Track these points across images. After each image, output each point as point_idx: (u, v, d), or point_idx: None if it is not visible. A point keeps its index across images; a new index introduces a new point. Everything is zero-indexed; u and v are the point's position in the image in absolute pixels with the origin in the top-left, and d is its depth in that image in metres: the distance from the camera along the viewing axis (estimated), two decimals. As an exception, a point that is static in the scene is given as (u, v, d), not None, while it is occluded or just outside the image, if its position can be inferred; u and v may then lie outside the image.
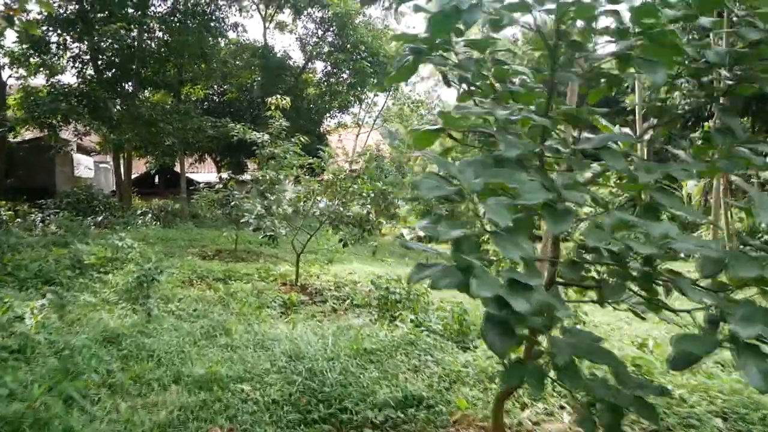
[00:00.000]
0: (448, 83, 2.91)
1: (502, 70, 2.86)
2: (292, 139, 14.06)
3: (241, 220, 8.85)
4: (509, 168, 1.99)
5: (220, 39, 24.68)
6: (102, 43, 20.71)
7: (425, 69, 38.23)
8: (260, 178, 9.84)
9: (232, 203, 14.64)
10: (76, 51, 21.52)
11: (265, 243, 16.72)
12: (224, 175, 33.87)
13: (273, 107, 13.50)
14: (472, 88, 2.95)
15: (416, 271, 2.17)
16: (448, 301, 8.23)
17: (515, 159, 2.06)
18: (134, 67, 21.73)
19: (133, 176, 28.34)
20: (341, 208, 8.64)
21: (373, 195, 8.72)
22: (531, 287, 1.78)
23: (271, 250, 15.14)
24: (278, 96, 13.85)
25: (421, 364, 5.20)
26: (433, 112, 37.99)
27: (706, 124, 21.11)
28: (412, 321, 6.23)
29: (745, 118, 16.81)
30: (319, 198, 8.92)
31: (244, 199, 14.65)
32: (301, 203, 8.90)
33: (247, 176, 28.13)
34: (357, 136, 35.94)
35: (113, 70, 22.07)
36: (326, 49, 25.80)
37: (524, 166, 2.12)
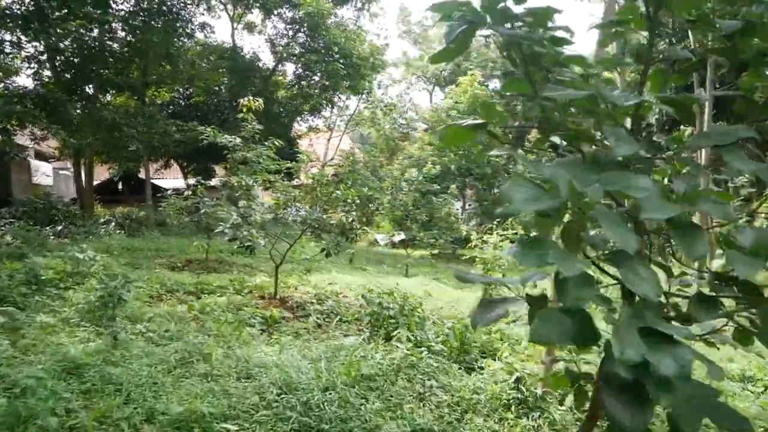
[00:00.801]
0: (511, 71, 2.35)
1: (555, 52, 2.33)
2: (266, 143, 13.45)
3: (216, 230, 8.17)
4: (614, 170, 1.47)
5: (186, 40, 23.76)
6: (60, 43, 19.63)
7: (397, 72, 37.91)
8: (235, 184, 9.17)
9: (203, 211, 13.90)
10: (32, 51, 20.37)
11: (237, 252, 16.13)
12: (192, 181, 32.80)
13: (245, 109, 12.84)
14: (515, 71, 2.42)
15: (483, 310, 1.66)
16: (447, 316, 7.74)
17: (621, 160, 1.55)
18: (95, 68, 20.66)
19: (95, 183, 27.12)
20: (324, 216, 8.05)
21: (358, 201, 8.16)
22: (674, 339, 1.27)
23: (244, 259, 14.44)
24: (250, 98, 13.21)
25: (427, 391, 4.67)
26: (405, 116, 37.63)
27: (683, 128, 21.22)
28: (410, 340, 5.68)
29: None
30: (298, 205, 8.30)
31: (216, 206, 13.94)
32: (281, 211, 8.27)
33: (215, 182, 27.28)
34: (329, 140, 35.30)
35: (72, 72, 20.94)
36: (297, 50, 25.06)
37: (628, 168, 1.61)
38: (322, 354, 5.43)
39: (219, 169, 32.96)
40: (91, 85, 22.13)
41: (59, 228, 18.67)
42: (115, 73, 21.66)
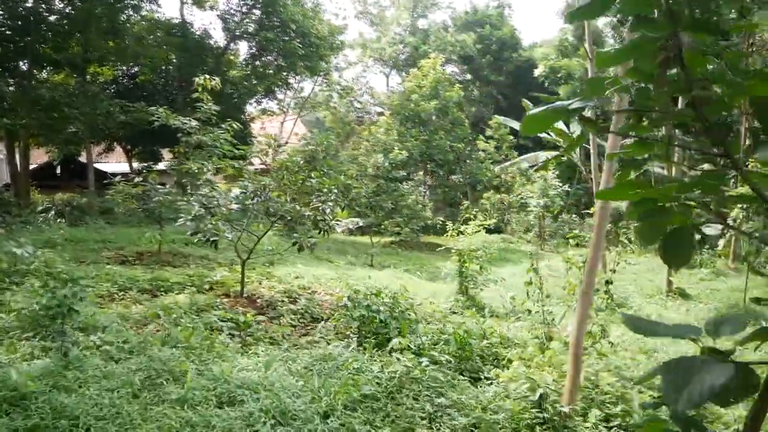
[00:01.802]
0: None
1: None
2: (222, 126, 12.52)
3: (176, 221, 7.35)
4: None
5: (133, 12, 22.20)
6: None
7: (353, 54, 36.98)
8: (195, 170, 8.33)
9: (155, 198, 12.88)
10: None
11: (192, 243, 15.12)
12: (136, 165, 31.08)
13: (200, 89, 11.87)
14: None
15: (682, 378, 1.09)
16: (429, 314, 7.21)
17: None
18: (29, 41, 18.97)
19: (31, 167, 25.26)
20: (298, 206, 7.34)
21: (336, 190, 7.49)
22: None
23: (201, 251, 13.51)
24: (206, 76, 12.23)
25: (437, 411, 4.11)
26: (361, 99, 36.78)
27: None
28: (408, 348, 5.09)
29: None
30: (270, 194, 7.54)
31: (170, 193, 12.94)
32: (250, 201, 7.50)
33: (162, 166, 25.82)
34: (282, 123, 34.16)
35: (3, 45, 19.18)
36: (252, 27, 23.79)
37: None
38: (309, 366, 4.80)
39: (166, 153, 31.41)
40: (25, 61, 20.40)
41: (-8, 217, 17.18)
42: (53, 48, 19.98)
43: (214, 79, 12.45)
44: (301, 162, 7.88)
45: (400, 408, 4.06)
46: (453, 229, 10.02)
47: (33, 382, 4.15)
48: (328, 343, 6.03)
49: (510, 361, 5.12)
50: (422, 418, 3.99)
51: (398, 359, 4.59)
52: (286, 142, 31.77)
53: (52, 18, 19.53)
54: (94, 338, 5.47)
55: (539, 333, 6.00)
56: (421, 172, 21.29)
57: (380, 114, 36.06)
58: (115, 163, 35.99)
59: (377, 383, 4.31)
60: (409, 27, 37.89)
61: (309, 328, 7.15)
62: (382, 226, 16.59)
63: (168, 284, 8.98)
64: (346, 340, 5.99)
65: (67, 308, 4.69)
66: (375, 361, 4.84)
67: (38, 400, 3.89)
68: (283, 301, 7.99)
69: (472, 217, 10.29)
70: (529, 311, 6.47)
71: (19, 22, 18.32)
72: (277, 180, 7.54)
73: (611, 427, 4.16)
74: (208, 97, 12.06)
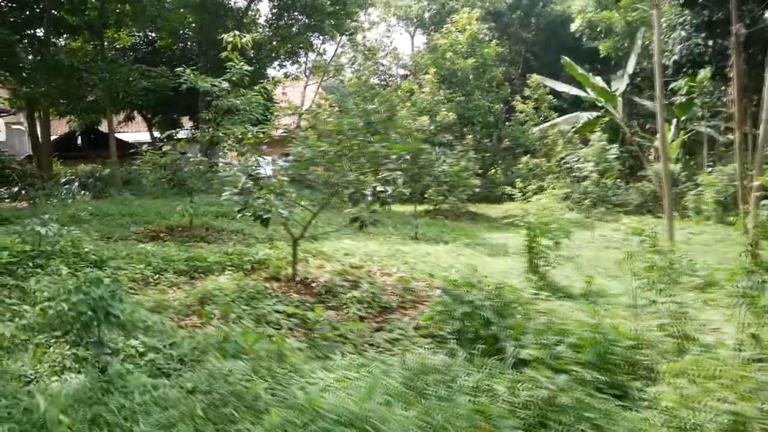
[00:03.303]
0: None
1: None
2: (255, 88, 11.45)
3: (223, 196, 6.31)
4: None
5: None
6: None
7: (375, 13, 35.17)
8: (239, 136, 7.27)
9: (185, 168, 11.89)
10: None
11: (223, 215, 14.18)
12: (157, 134, 30.09)
13: (229, 47, 10.73)
14: None
15: None
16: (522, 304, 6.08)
17: None
18: (45, 5, 17.83)
19: (52, 138, 24.42)
20: (360, 177, 6.24)
21: (408, 157, 6.35)
22: None
23: (234, 224, 12.55)
24: (236, 32, 11.07)
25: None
26: (384, 60, 35.05)
27: (702, 71, 19.56)
28: (537, 360, 3.96)
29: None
30: (332, 165, 6.43)
31: (203, 163, 11.97)
32: (304, 169, 6.39)
33: (181, 135, 24.85)
34: (305, 87, 32.77)
35: (19, 10, 18.09)
36: (275, -17, 22.25)
37: None
38: (408, 382, 3.78)
39: (186, 122, 30.32)
40: (41, 28, 19.31)
41: (15, 189, 16.40)
42: (70, 11, 18.83)
43: (245, 36, 11.31)
44: (360, 124, 6.75)
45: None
46: (523, 199, 8.87)
47: (65, 414, 3.18)
48: (412, 343, 5.00)
49: (657, 372, 4.03)
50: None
51: (532, 377, 3.52)
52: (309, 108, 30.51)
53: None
54: (134, 342, 4.49)
55: (669, 330, 4.89)
56: (456, 135, 19.87)
57: (404, 77, 34.40)
58: (135, 133, 35.12)
59: (512, 411, 3.26)
60: (434, -18, 35.82)
61: (380, 320, 6.13)
62: (426, 195, 15.48)
63: (206, 264, 8.03)
64: (433, 340, 4.95)
65: (104, 313, 3.69)
66: (495, 378, 3.76)
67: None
68: (342, 285, 6.96)
69: (544, 186, 9.10)
70: (654, 302, 5.32)
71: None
72: (334, 146, 6.42)
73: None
74: (238, 56, 10.96)
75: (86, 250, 7.96)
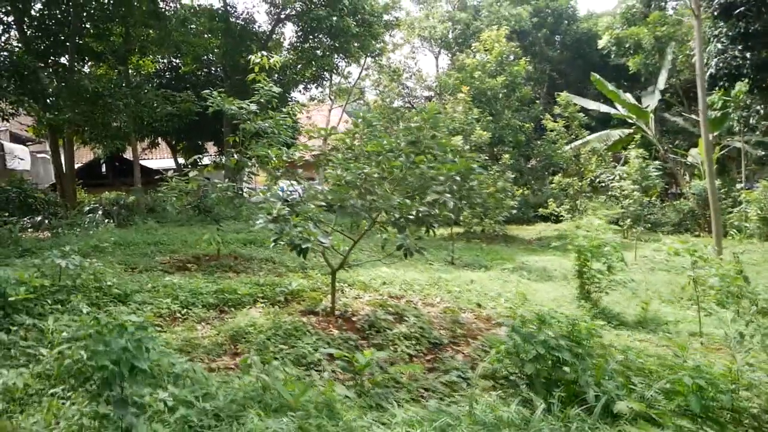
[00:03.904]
0: None
1: None
2: (283, 110, 11.07)
3: (255, 224, 5.75)
4: None
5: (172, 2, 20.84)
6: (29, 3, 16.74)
7: (398, 34, 34.97)
8: (274, 158, 6.75)
9: (212, 195, 11.40)
10: (-4, 14, 17.46)
11: (250, 242, 13.69)
12: (181, 161, 29.98)
13: (257, 69, 10.30)
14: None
15: None
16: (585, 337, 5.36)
17: None
18: (68, 31, 17.75)
19: (76, 166, 24.33)
20: (408, 201, 5.63)
21: (458, 179, 5.75)
22: None
23: (264, 251, 12.01)
24: (263, 53, 10.66)
25: None
26: (407, 82, 34.70)
27: (739, 84, 18.84)
28: (632, 411, 3.28)
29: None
30: (373, 188, 5.85)
31: (230, 188, 11.48)
32: (347, 193, 5.81)
33: (206, 161, 24.60)
34: (330, 110, 32.57)
35: (44, 37, 18.06)
36: (299, 6, 22.02)
37: None
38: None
39: (210, 147, 30.21)
40: (65, 55, 19.29)
41: (38, 219, 16.10)
42: (94, 37, 18.75)
43: (272, 57, 10.91)
44: (403, 144, 6.17)
45: None
46: (572, 220, 8.17)
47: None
48: (474, 388, 4.33)
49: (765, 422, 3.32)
50: None
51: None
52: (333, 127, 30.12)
53: (93, 2, 18.23)
54: (164, 395, 3.89)
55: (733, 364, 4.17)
56: (502, 156, 19.27)
57: (428, 98, 33.98)
58: (159, 159, 35.18)
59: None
60: (457, 3, 35.60)
61: (430, 358, 5.47)
62: (461, 218, 14.85)
63: (236, 297, 7.47)
64: (497, 383, 4.27)
65: (129, 367, 3.11)
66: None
67: None
68: (386, 319, 6.31)
69: (597, 206, 8.41)
70: (742, 335, 4.60)
71: (59, 14, 17.09)
72: (376, 167, 5.84)
73: None
74: (266, 78, 10.55)
75: (109, 283, 7.44)
